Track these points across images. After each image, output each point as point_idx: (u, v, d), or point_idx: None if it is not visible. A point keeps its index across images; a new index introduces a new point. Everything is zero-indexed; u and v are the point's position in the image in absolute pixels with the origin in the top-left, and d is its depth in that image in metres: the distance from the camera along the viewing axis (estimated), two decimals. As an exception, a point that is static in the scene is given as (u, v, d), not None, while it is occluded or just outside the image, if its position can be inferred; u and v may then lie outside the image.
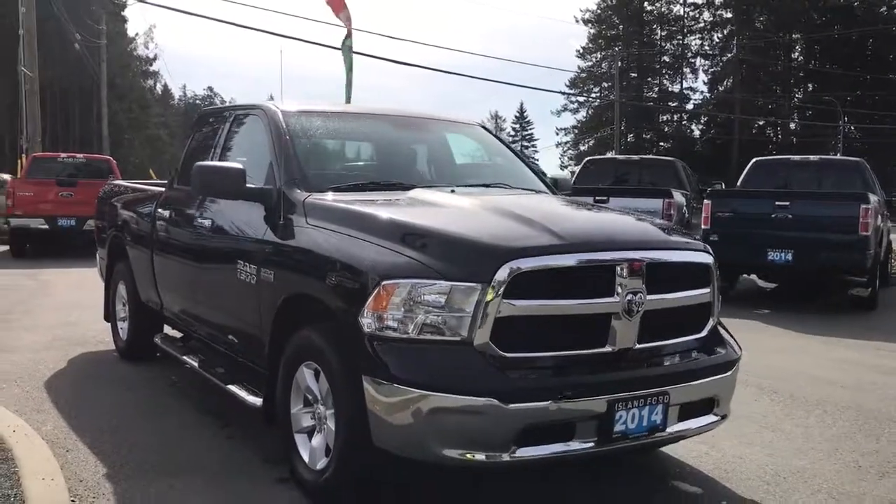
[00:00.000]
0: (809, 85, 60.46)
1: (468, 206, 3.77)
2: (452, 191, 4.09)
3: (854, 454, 4.47)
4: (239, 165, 4.20)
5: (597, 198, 11.42)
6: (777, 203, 9.91)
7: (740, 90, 58.23)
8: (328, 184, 4.12)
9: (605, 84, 66.82)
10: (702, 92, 65.59)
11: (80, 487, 3.72)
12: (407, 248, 3.29)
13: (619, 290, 3.29)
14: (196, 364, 4.92)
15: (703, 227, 10.44)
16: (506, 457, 3.09)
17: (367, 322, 3.19)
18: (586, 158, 13.86)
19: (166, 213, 5.35)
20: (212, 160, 4.84)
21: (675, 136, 65.28)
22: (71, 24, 28.18)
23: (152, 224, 5.54)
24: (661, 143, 65.69)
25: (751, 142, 54.05)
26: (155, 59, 61.59)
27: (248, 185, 4.18)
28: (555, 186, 5.16)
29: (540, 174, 5.08)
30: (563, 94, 65.30)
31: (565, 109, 68.25)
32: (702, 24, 64.99)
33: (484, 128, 5.41)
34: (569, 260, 3.25)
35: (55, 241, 14.61)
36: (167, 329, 6.00)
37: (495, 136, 5.33)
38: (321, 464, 3.54)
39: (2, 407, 4.62)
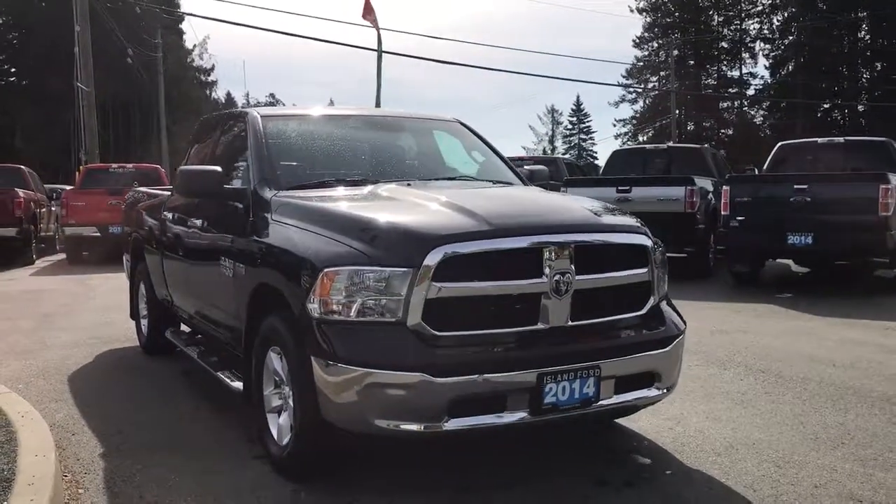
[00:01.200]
0: (878, 64, 58.51)
1: (414, 198, 4.03)
2: (409, 185, 4.37)
3: (817, 427, 4.58)
4: (217, 168, 4.56)
5: (619, 188, 11.58)
6: (795, 186, 9.88)
7: (803, 73, 56.76)
8: (297, 182, 4.45)
9: (662, 73, 65.90)
10: (762, 77, 64.07)
11: (76, 465, 4.12)
12: (349, 238, 3.58)
13: (547, 271, 3.51)
14: (195, 355, 5.31)
15: (722, 212, 10.47)
16: (438, 427, 3.35)
17: (313, 307, 3.49)
18: (613, 149, 13.96)
19: (170, 216, 5.75)
20: (205, 163, 5.21)
21: (737, 123, 64.00)
22: (125, 40, 29.32)
23: (161, 226, 5.96)
24: (723, 131, 64.58)
25: (817, 126, 52.65)
26: (212, 69, 63.41)
27: (225, 186, 4.53)
28: (530, 178, 5.40)
29: (512, 167, 5.31)
30: (618, 85, 64.65)
31: (623, 100, 67.48)
32: (760, 8, 63.62)
33: (462, 124, 5.67)
34: (495, 244, 3.49)
35: (107, 248, 15.32)
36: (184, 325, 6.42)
37: (473, 131, 5.57)
38: (286, 440, 3.85)
39: (18, 396, 5.05)
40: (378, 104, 16.29)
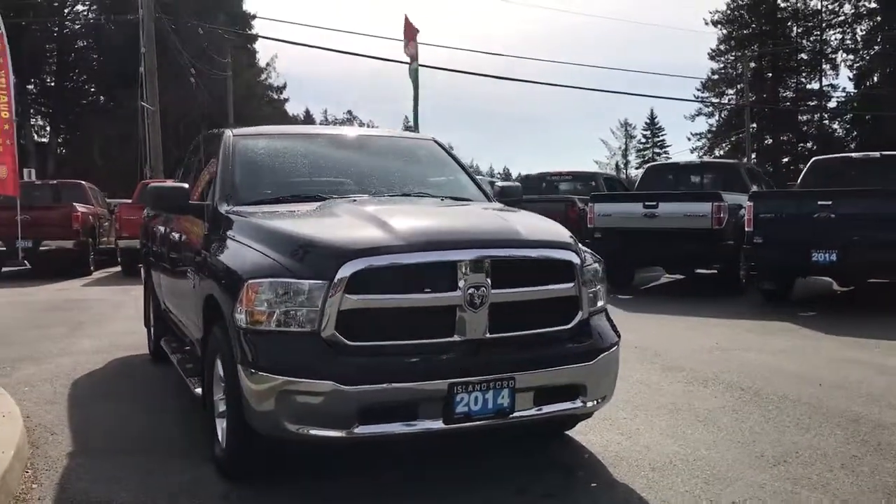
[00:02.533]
0: (973, 73, 55.85)
1: (347, 213, 4.18)
2: (354, 201, 4.55)
3: (767, 445, 4.54)
4: (182, 185, 4.84)
5: (646, 203, 11.53)
6: (820, 202, 9.67)
7: (889, 84, 54.72)
8: (255, 198, 4.67)
9: (739, 86, 64.47)
10: (844, 89, 62.01)
11: (42, 462, 4.40)
12: (276, 252, 3.77)
13: (461, 284, 3.63)
14: (175, 361, 5.58)
15: (746, 229, 10.32)
16: (348, 433, 3.50)
17: (240, 318, 3.69)
18: (647, 164, 13.85)
19: (162, 230, 6.08)
20: (189, 180, 5.50)
21: (817, 137, 62.13)
22: (194, 59, 30.49)
23: (156, 239, 6.30)
24: (802, 145, 62.80)
25: (905, 140, 50.65)
26: (284, 86, 65.01)
27: (190, 202, 4.80)
28: (501, 195, 5.52)
29: (479, 185, 5.43)
30: (692, 101, 63.40)
31: (699, 113, 66.02)
32: (842, 18, 61.74)
33: (437, 143, 5.83)
34: (408, 258, 3.63)
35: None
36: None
37: (447, 151, 5.72)
38: (225, 443, 4.06)
39: (10, 398, 5.39)
40: (416, 122, 16.58)
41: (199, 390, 4.69)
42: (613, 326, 4.31)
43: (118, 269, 17.46)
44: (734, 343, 7.79)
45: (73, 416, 5.35)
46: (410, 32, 15.98)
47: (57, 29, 42.31)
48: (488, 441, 4.58)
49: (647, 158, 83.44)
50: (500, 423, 3.75)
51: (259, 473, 4.02)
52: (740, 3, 63.76)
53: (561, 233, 4.19)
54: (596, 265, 4.23)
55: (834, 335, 8.22)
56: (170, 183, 5.19)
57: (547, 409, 3.86)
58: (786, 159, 63.61)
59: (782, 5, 63.62)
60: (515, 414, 3.73)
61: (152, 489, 3.96)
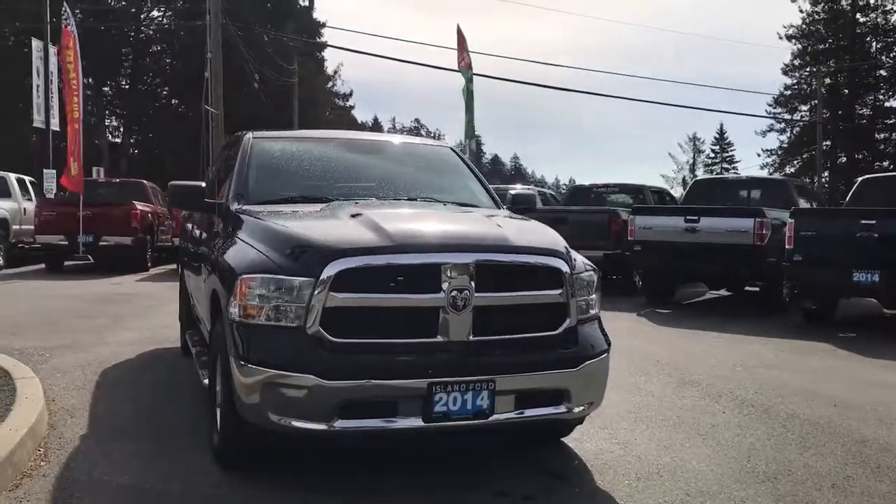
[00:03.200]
0: None
1: (345, 215, 4.30)
2: (357, 203, 4.68)
3: (762, 462, 4.50)
4: (200, 184, 5.06)
5: (687, 217, 11.43)
6: (862, 221, 9.46)
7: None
8: (266, 198, 4.85)
9: (813, 102, 62.73)
10: (926, 106, 59.65)
11: (56, 442, 4.64)
12: (270, 249, 3.93)
13: (445, 286, 3.72)
14: (194, 353, 5.80)
15: (786, 246, 10.14)
16: (329, 427, 3.62)
17: (233, 311, 3.85)
18: (694, 179, 13.68)
19: (188, 227, 6.33)
20: (214, 179, 5.72)
21: (894, 156, 60.12)
22: (260, 65, 31.28)
23: (184, 236, 6.55)
24: (878, 164, 60.90)
25: None
26: (350, 94, 66.10)
27: (206, 200, 5.01)
28: (514, 202, 5.60)
29: (490, 192, 5.51)
30: (764, 116, 61.86)
31: (771, 129, 64.42)
32: (925, 32, 59.65)
33: (454, 151, 5.94)
34: (393, 259, 3.74)
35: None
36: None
37: (462, 159, 5.82)
38: (220, 432, 4.23)
39: (38, 382, 5.67)
40: (470, 131, 16.74)
41: (206, 381, 4.88)
42: (605, 335, 4.34)
43: (175, 266, 18.02)
44: (761, 361, 7.68)
45: (95, 402, 5.61)
46: (462, 43, 16.17)
47: (133, 34, 43.76)
48: (478, 443, 4.65)
49: (715, 174, 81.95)
50: (480, 425, 3.82)
51: (251, 463, 4.17)
52: (816, 17, 62.17)
53: (552, 241, 4.25)
54: (590, 274, 4.27)
55: (870, 358, 8.03)
56: (186, 182, 5.39)
57: (529, 413, 3.92)
58: (793, 176, 61.75)
59: (861, 20, 61.77)
60: (496, 416, 3.80)
61: (151, 473, 4.15)
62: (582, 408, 4.10)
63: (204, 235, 5.36)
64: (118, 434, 4.85)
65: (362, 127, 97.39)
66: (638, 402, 5.86)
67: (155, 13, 45.88)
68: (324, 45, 56.88)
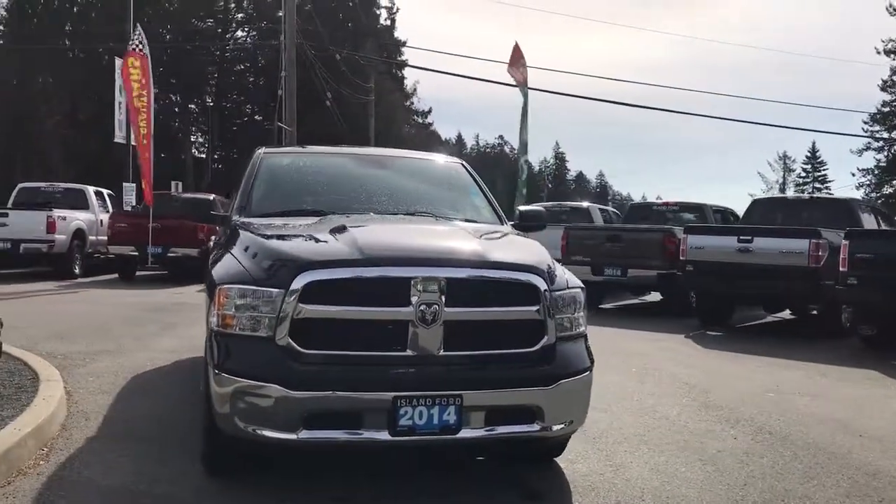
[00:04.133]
0: None
1: (326, 228, 4.35)
2: (348, 217, 4.74)
3: (755, 491, 4.34)
4: (208, 197, 5.26)
5: (741, 237, 11.14)
6: (920, 243, 9.02)
7: None
8: (265, 211, 4.97)
9: (916, 120, 59.81)
10: None
11: (62, 443, 4.83)
12: (249, 261, 4.03)
13: (414, 300, 3.74)
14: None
15: (840, 269, 9.74)
16: (294, 436, 3.68)
17: (212, 321, 3.96)
18: (754, 198, 13.30)
19: (213, 239, 6.53)
20: (234, 193, 5.88)
21: None
22: (325, 82, 31.91)
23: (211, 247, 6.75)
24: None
25: None
26: (429, 111, 66.91)
27: (212, 213, 5.16)
28: (521, 219, 5.57)
29: (495, 209, 5.50)
30: (860, 135, 59.40)
31: (868, 148, 61.61)
32: None
33: (464, 166, 5.96)
34: (361, 272, 3.79)
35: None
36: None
37: (471, 174, 5.84)
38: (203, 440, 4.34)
39: (61, 385, 5.91)
40: (523, 145, 16.72)
41: (203, 388, 5.01)
42: (589, 353, 4.27)
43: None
44: (798, 388, 7.38)
45: (114, 405, 5.82)
46: (519, 59, 16.19)
47: (218, 53, 45.33)
48: (460, 459, 4.66)
49: (804, 191, 79.17)
50: (448, 440, 3.81)
51: (233, 470, 4.26)
52: (920, 30, 59.39)
53: (531, 258, 4.20)
54: (573, 292, 4.22)
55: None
56: (196, 195, 5.57)
57: (501, 430, 3.89)
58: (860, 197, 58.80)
59: (971, 31, 58.63)
60: (465, 433, 3.79)
61: (141, 476, 4.29)
62: (561, 426, 4.04)
63: (212, 246, 5.54)
64: (124, 437, 5.02)
65: (445, 144, 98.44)
66: (649, 424, 5.72)
67: (239, 33, 47.47)
68: (403, 64, 57.90)
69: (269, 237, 4.29)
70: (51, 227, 16.56)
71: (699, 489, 4.34)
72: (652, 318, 13.27)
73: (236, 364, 3.79)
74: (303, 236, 4.34)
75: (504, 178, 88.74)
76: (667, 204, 16.16)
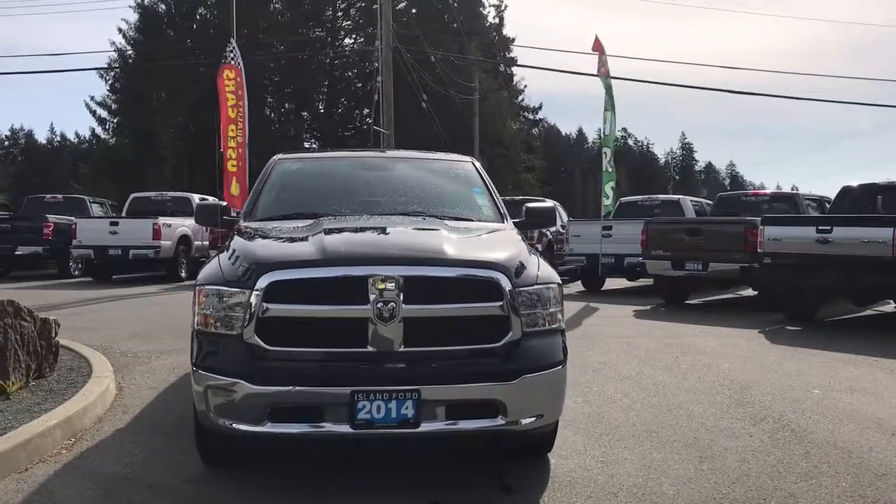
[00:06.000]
0: None
1: (307, 230, 4.53)
2: (336, 218, 4.90)
3: (741, 489, 4.21)
4: (217, 203, 5.50)
5: (819, 227, 10.67)
6: None
7: None
8: (267, 215, 5.21)
9: None
10: None
11: (91, 434, 5.23)
12: (228, 263, 4.26)
13: (372, 298, 3.87)
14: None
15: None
16: (259, 428, 3.88)
17: (194, 320, 4.22)
18: (843, 185, 12.59)
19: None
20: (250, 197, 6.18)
21: None
22: (429, 86, 32.45)
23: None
24: None
25: None
26: (540, 107, 66.77)
27: (223, 217, 5.46)
28: (528, 215, 5.59)
29: (498, 206, 5.54)
30: None
31: None
32: None
33: (473, 165, 6.03)
34: (320, 272, 3.95)
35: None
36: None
37: (479, 172, 5.89)
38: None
39: (111, 382, 6.37)
40: (609, 136, 16.54)
41: None
42: (564, 348, 4.26)
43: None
44: (851, 385, 7.01)
45: (154, 401, 6.22)
46: (600, 51, 16.00)
47: (328, 61, 46.75)
48: (437, 454, 4.76)
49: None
50: (409, 434, 3.90)
51: (221, 461, 4.53)
52: None
53: (496, 255, 4.21)
54: (543, 287, 4.20)
55: None
56: (207, 201, 5.88)
57: (463, 424, 3.96)
58: None
59: None
60: (425, 426, 3.88)
61: (144, 466, 4.61)
62: (531, 420, 4.06)
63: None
64: (149, 431, 5.37)
65: (566, 139, 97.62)
66: (666, 421, 5.62)
67: (347, 41, 48.75)
68: (512, 62, 57.95)
69: (250, 240, 4.52)
70: (156, 233, 17.65)
71: (681, 486, 4.26)
72: (736, 314, 12.84)
73: (209, 361, 4.03)
74: (281, 238, 4.55)
75: (629, 171, 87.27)
76: (756, 194, 15.58)
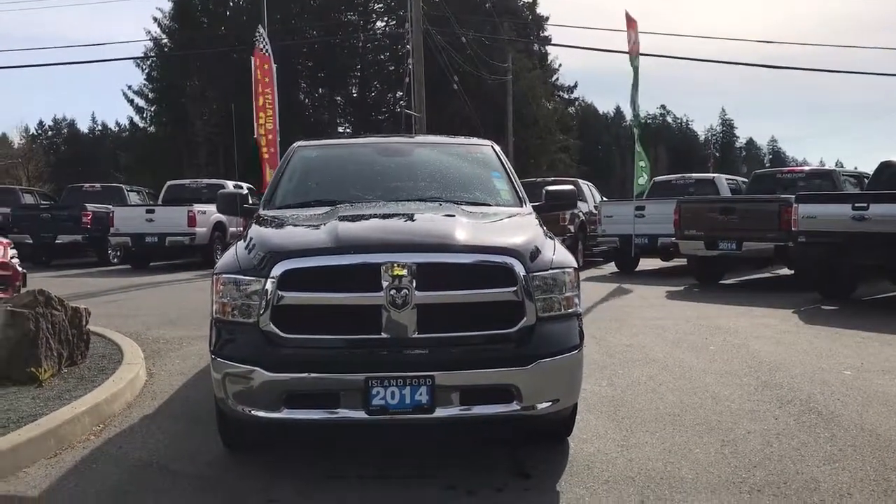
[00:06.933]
0: None
1: (323, 218, 4.55)
2: (353, 205, 4.93)
3: (763, 473, 4.16)
4: (238, 191, 5.54)
5: (855, 204, 10.47)
6: None
7: None
8: (286, 202, 5.25)
9: None
10: None
11: (119, 420, 5.34)
12: (244, 251, 4.30)
13: (385, 285, 3.88)
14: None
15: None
16: (276, 415, 3.93)
17: (212, 308, 4.27)
18: (882, 161, 12.27)
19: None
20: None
21: None
22: (461, 68, 32.32)
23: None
24: None
25: None
26: (575, 86, 66.20)
27: (244, 206, 5.50)
28: (548, 198, 5.55)
29: (517, 190, 5.51)
30: None
31: None
32: None
33: (493, 148, 5.99)
34: (334, 260, 3.97)
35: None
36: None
37: (498, 156, 5.86)
38: None
39: (140, 367, 6.48)
40: (636, 113, 16.37)
41: None
42: (580, 333, 4.24)
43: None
44: (885, 365, 6.87)
45: (183, 388, 6.32)
46: (632, 27, 15.81)
47: (360, 44, 46.79)
48: (456, 436, 4.78)
49: None
50: (424, 419, 3.92)
51: (246, 445, 4.60)
52: None
53: (510, 241, 4.19)
54: (557, 272, 4.18)
55: None
56: (227, 189, 5.93)
57: (478, 409, 3.96)
58: None
59: None
60: (440, 412, 3.89)
61: (168, 451, 4.70)
62: (546, 405, 4.05)
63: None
64: (176, 417, 5.47)
65: (603, 118, 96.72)
66: (691, 403, 5.58)
67: (378, 24, 48.71)
68: (547, 41, 57.47)
69: (266, 228, 4.56)
70: (191, 220, 17.89)
71: (701, 471, 4.23)
72: (771, 293, 12.66)
73: (227, 349, 4.08)
74: (297, 226, 4.58)
75: (668, 149, 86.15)
76: (792, 171, 15.29)
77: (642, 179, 17.10)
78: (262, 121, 17.11)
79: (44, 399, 5.34)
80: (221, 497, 3.99)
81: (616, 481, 4.09)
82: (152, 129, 46.46)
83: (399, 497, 3.96)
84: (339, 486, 4.10)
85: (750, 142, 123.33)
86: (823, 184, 14.27)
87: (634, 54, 15.77)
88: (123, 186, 23.91)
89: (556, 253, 4.35)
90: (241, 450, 4.62)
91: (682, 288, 13.55)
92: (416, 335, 3.91)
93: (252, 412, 3.98)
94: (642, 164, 16.74)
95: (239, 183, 20.64)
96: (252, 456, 4.56)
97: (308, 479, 4.18)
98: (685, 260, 15.21)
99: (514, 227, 4.57)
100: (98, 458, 4.58)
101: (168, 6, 45.54)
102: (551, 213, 5.60)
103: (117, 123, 72.32)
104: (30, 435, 4.54)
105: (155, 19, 45.73)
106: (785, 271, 14.87)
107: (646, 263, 18.02)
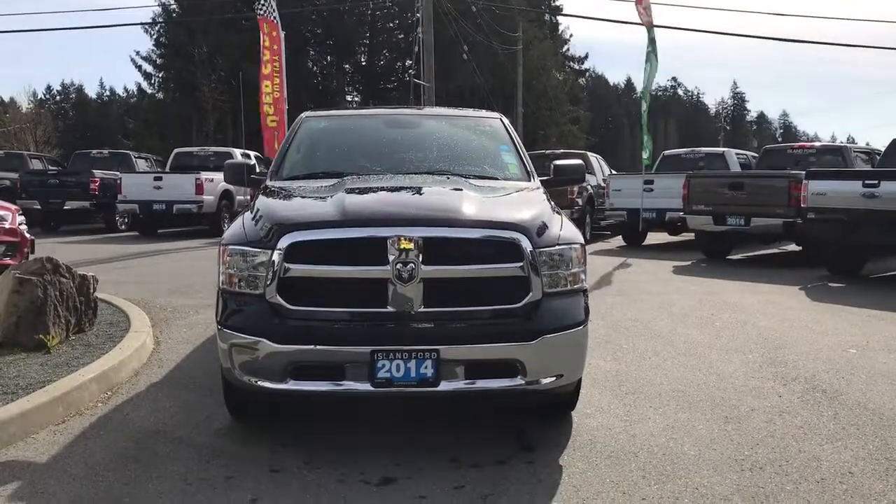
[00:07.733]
0: None
1: (330, 190, 4.54)
2: (360, 177, 4.91)
3: (765, 451, 4.18)
4: (243, 161, 5.53)
5: (866, 181, 10.41)
6: None
7: None
8: (293, 174, 5.24)
9: None
10: None
11: (127, 388, 5.38)
12: (251, 222, 4.30)
13: (391, 259, 3.88)
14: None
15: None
16: (282, 386, 3.95)
17: (219, 279, 4.28)
18: (894, 137, 12.17)
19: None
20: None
21: None
22: (472, 37, 32.01)
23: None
24: None
25: None
26: (586, 56, 65.73)
27: (251, 176, 5.49)
28: (555, 173, 5.53)
29: (525, 164, 5.48)
30: None
31: None
32: None
33: (502, 121, 5.96)
34: (339, 233, 3.97)
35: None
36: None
37: (507, 129, 5.83)
38: None
39: (147, 335, 6.52)
40: (647, 88, 16.26)
41: None
42: (586, 309, 4.24)
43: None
44: (889, 343, 6.86)
45: (189, 356, 6.36)
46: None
47: (369, 12, 46.37)
48: (461, 411, 4.82)
49: None
50: (429, 392, 3.93)
51: (251, 415, 4.64)
52: None
53: (517, 216, 4.18)
54: (564, 248, 4.16)
55: None
56: (234, 160, 5.92)
57: (482, 383, 3.97)
58: None
59: None
60: (444, 385, 3.91)
61: (175, 419, 4.74)
62: (550, 379, 4.05)
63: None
64: (182, 385, 5.51)
65: (614, 89, 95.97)
66: (695, 380, 5.59)
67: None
68: (558, 10, 56.96)
69: (273, 199, 4.56)
70: (199, 188, 17.89)
71: (703, 447, 4.25)
72: (779, 269, 12.62)
73: (233, 320, 4.10)
74: (303, 198, 4.57)
75: (679, 122, 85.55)
76: (803, 147, 15.18)
77: (646, 154, 17.07)
78: (268, 89, 17.02)
79: (52, 366, 5.38)
80: (227, 465, 4.03)
81: (618, 456, 4.12)
82: (160, 95, 46.27)
83: (403, 468, 3.99)
84: (343, 457, 4.13)
85: (761, 115, 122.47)
86: (834, 160, 14.18)
87: (648, 25, 15.58)
88: (131, 153, 23.91)
89: (564, 228, 4.34)
90: (247, 419, 4.66)
91: (689, 263, 13.53)
92: (421, 309, 3.92)
93: (258, 383, 4.01)
94: (646, 137, 16.69)
95: (247, 151, 20.64)
96: (258, 426, 4.60)
97: (315, 451, 4.21)
98: (693, 235, 15.17)
99: (521, 202, 4.56)
100: (105, 424, 4.62)
101: (177, -30, 45.16)
102: (559, 186, 5.58)
103: (125, 89, 72.32)
104: (39, 401, 4.59)
105: (163, -16, 45.38)
106: (793, 247, 14.83)
107: (653, 238, 17.98)
